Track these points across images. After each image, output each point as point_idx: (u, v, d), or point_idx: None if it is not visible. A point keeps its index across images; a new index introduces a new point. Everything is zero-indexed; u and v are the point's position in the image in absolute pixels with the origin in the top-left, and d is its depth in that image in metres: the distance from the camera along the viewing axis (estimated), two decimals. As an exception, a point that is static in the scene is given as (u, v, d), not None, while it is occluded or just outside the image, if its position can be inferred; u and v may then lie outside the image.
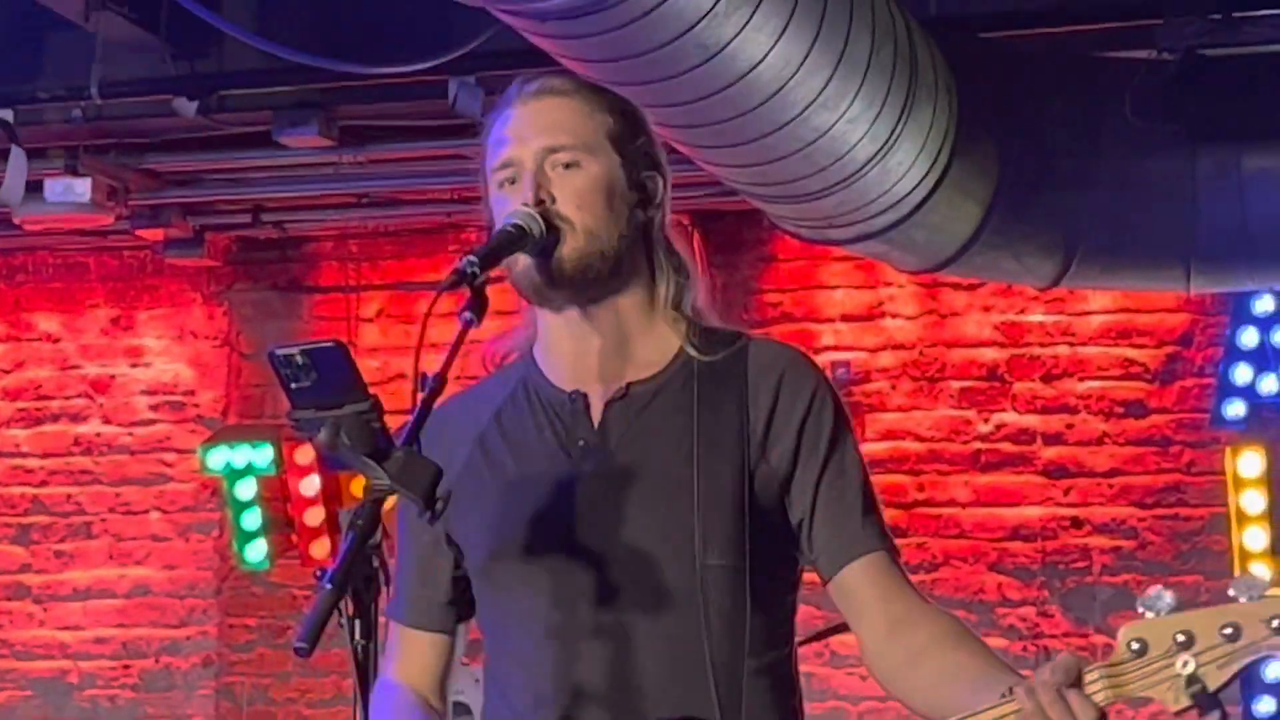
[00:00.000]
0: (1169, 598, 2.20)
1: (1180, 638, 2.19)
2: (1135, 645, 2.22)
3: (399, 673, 2.84)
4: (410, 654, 2.84)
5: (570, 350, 2.75)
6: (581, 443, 2.70)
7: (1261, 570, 7.03)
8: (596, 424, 2.71)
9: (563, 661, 2.61)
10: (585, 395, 2.72)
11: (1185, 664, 2.19)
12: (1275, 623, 2.16)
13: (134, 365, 8.60)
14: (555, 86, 2.76)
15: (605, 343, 2.73)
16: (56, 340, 8.70)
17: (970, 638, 2.61)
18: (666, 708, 2.58)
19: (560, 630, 2.62)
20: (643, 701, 2.58)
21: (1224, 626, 2.19)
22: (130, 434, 8.57)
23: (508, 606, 2.72)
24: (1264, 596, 2.17)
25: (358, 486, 6.47)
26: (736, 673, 2.60)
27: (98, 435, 8.61)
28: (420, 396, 2.38)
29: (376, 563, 2.26)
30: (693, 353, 2.73)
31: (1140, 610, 2.22)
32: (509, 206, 2.67)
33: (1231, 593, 2.19)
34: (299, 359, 2.25)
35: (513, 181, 2.69)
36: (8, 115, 6.36)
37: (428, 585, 2.81)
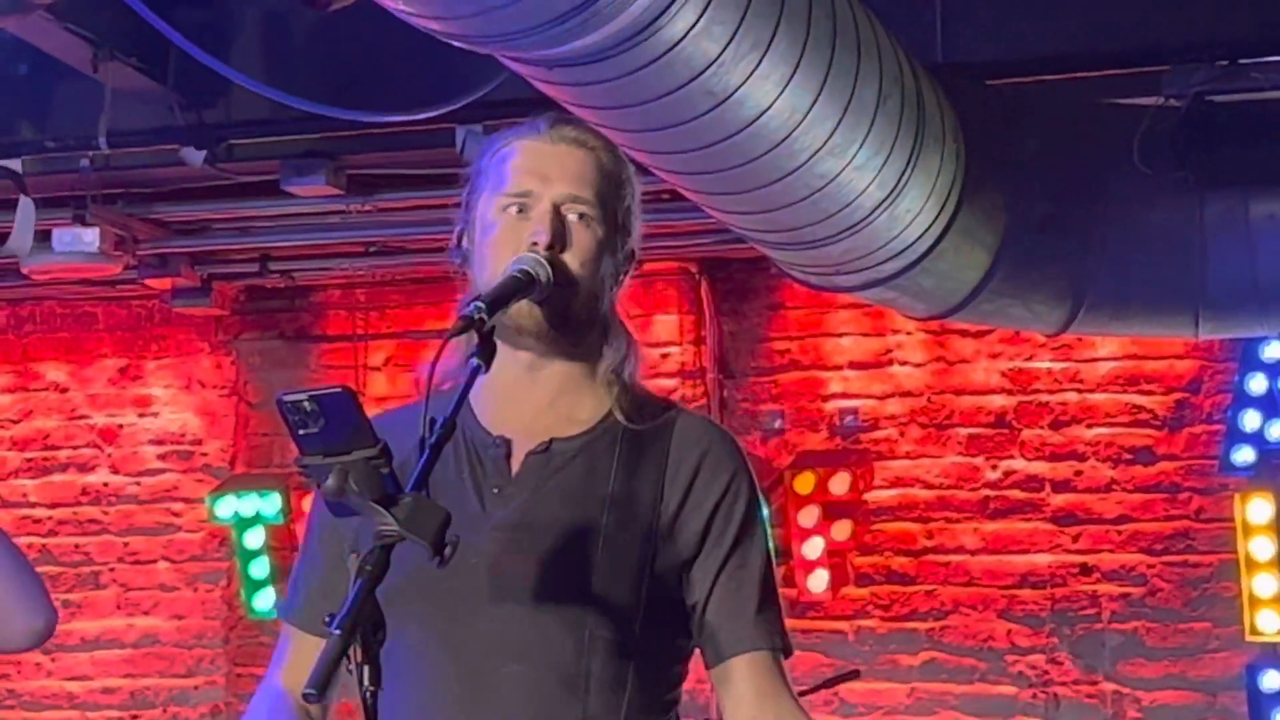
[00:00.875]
0: None
1: None
2: None
3: (285, 678, 2.80)
4: (300, 660, 2.73)
5: (508, 395, 2.73)
6: (496, 490, 2.68)
7: None
8: (515, 473, 2.69)
9: (444, 713, 2.59)
10: (510, 442, 2.71)
11: None
12: None
13: (142, 415, 8.61)
14: (589, 141, 2.78)
15: (543, 395, 2.72)
16: (64, 390, 8.70)
17: None
18: None
19: (447, 679, 2.60)
20: None
21: None
22: (138, 483, 8.56)
23: (400, 643, 2.61)
24: None
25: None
26: None
27: (105, 485, 8.61)
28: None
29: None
30: (620, 419, 2.72)
31: None
32: (506, 230, 2.68)
33: None
34: (307, 405, 2.24)
35: (521, 210, 2.69)
36: (16, 165, 6.36)
37: (327, 597, 2.63)
